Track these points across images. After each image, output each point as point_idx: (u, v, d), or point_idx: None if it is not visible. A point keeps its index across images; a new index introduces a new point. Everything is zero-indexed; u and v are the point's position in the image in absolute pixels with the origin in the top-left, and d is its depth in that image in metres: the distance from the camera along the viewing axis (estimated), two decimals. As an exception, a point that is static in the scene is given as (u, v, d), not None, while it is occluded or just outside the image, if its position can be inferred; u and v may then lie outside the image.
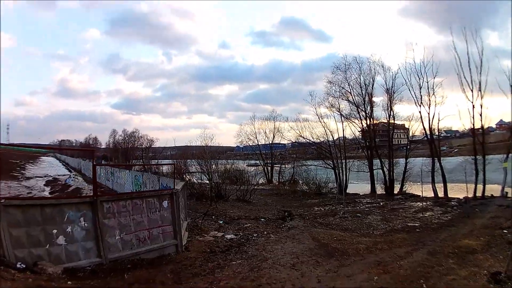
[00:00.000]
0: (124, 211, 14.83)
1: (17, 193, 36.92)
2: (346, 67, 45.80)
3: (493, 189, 34.18)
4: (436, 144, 38.83)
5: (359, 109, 45.51)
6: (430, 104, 38.00)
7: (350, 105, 46.25)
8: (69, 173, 69.70)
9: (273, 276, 13.34)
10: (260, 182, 54.85)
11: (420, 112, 38.97)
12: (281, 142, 68.32)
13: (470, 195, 31.37)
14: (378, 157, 43.29)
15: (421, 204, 31.07)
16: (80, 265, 12.98)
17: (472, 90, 34.64)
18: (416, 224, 24.05)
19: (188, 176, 38.11)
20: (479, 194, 33.22)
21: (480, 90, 34.37)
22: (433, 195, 36.00)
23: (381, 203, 33.54)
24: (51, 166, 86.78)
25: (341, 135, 48.41)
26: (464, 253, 16.03)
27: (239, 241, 19.11)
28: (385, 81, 42.97)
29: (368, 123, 45.28)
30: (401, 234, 21.28)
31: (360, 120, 45.86)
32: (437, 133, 39.87)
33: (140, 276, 12.66)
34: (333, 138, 48.20)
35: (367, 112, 45.08)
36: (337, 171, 45.17)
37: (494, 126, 54.95)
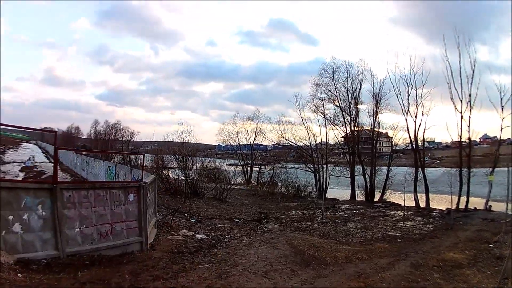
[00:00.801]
0: (85, 201, 13.12)
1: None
2: (334, 69, 44.77)
3: (476, 202, 33.31)
4: (420, 153, 37.89)
5: (344, 113, 44.38)
6: (417, 113, 36.82)
7: (336, 108, 45.45)
8: (47, 161, 67.36)
9: (242, 284, 11.97)
10: (238, 182, 53.37)
11: (406, 120, 37.80)
12: (262, 143, 66.93)
13: (453, 206, 30.15)
14: (361, 163, 42.07)
15: (402, 213, 29.88)
16: (36, 257, 11.48)
17: (461, 101, 33.60)
18: (397, 234, 22.79)
19: (166, 172, 36.43)
20: (462, 206, 32.14)
21: (469, 101, 33.34)
22: (414, 204, 34.82)
23: (361, 210, 32.23)
24: (30, 153, 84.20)
25: (323, 139, 47.41)
26: (450, 267, 14.99)
27: (209, 243, 17.73)
28: (372, 86, 41.82)
29: (353, 128, 44.08)
30: (381, 243, 20.14)
31: (344, 125, 44.76)
32: (422, 143, 38.58)
33: (95, 275, 11.09)
34: (315, 141, 46.88)
35: (352, 116, 43.85)
36: (317, 175, 43.74)
37: (478, 140, 54.47)
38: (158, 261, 13.50)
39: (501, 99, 31.78)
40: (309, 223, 25.75)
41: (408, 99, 37.51)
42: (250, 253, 16.20)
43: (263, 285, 12.12)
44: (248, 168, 61.47)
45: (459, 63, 34.05)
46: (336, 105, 44.69)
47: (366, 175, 40.65)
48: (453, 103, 34.02)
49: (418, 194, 36.10)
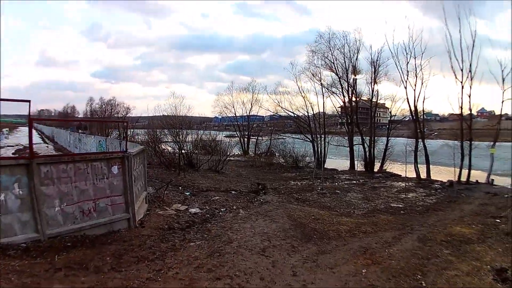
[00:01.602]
0: (65, 176, 11.83)
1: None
2: (330, 36, 42.52)
3: (478, 175, 32.28)
4: (420, 124, 36.36)
5: (341, 80, 42.27)
6: (416, 82, 35.12)
7: (333, 75, 43.49)
8: (42, 142, 66.11)
9: (237, 264, 10.97)
10: (236, 153, 52.21)
11: (405, 88, 36.03)
12: (259, 114, 65.22)
13: (455, 179, 29.00)
14: (360, 132, 40.53)
15: (403, 184, 28.72)
16: (15, 241, 10.52)
17: (462, 71, 31.90)
18: (400, 205, 21.75)
19: (160, 145, 35.02)
20: (463, 178, 30.92)
21: (470, 71, 31.65)
22: (415, 175, 33.60)
23: (361, 181, 31.00)
24: (26, 136, 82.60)
25: (321, 109, 45.54)
26: (459, 242, 14.09)
27: (203, 217, 16.77)
28: (370, 54, 39.96)
29: (350, 96, 42.52)
30: (385, 215, 19.08)
31: (342, 94, 43.04)
32: (421, 113, 37.01)
33: (74, 259, 10.11)
34: (312, 111, 45.32)
35: (350, 83, 42.25)
36: (315, 144, 42.38)
37: (475, 113, 53.26)
38: (145, 240, 12.61)
39: (502, 71, 30.40)
40: (308, 194, 24.57)
41: (407, 68, 35.83)
42: (247, 227, 15.21)
43: (260, 264, 11.13)
44: (245, 139, 59.87)
45: (459, 31, 32.26)
46: (333, 71, 42.79)
47: (365, 145, 39.34)
48: (454, 72, 32.34)
49: (418, 165, 34.89)
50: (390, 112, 43.48)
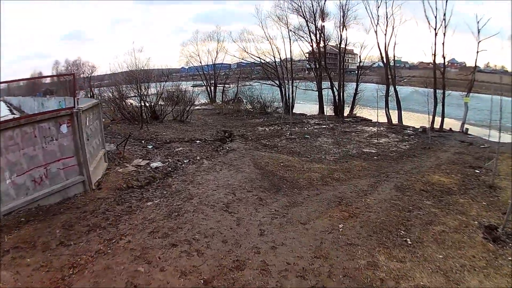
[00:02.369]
0: (12, 144, 9.85)
1: None
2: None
3: (451, 123, 31.38)
4: (391, 69, 34.79)
5: (309, 24, 39.73)
6: (387, 26, 33.31)
7: (300, 20, 40.76)
8: (9, 113, 62.40)
9: (196, 225, 9.52)
10: (203, 102, 50.19)
11: (376, 32, 34.11)
12: (226, 62, 62.19)
13: (427, 125, 27.76)
14: (328, 76, 38.65)
15: (374, 129, 27.32)
16: None
17: (436, 18, 30.05)
18: (373, 151, 20.49)
19: (130, 101, 32.54)
20: (436, 126, 29.74)
21: (444, 20, 29.80)
22: (386, 121, 32.49)
23: (331, 125, 29.39)
24: None
25: (288, 55, 43.34)
26: (440, 192, 13.07)
27: (165, 171, 15.12)
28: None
29: (318, 40, 39.82)
30: (358, 161, 17.77)
31: (309, 37, 40.37)
32: (393, 58, 35.32)
33: (23, 237, 8.49)
34: (279, 56, 43.10)
35: (317, 27, 39.56)
36: (283, 89, 40.47)
37: (446, 63, 52.36)
38: (100, 204, 10.95)
39: (478, 22, 28.65)
40: (277, 139, 23.05)
41: (377, 13, 34.04)
42: (210, 179, 13.73)
43: (223, 223, 9.67)
44: (212, 87, 57.32)
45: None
46: (300, 15, 39.94)
47: (334, 89, 37.47)
48: (427, 20, 30.61)
49: (389, 111, 33.69)
50: (360, 57, 41.65)
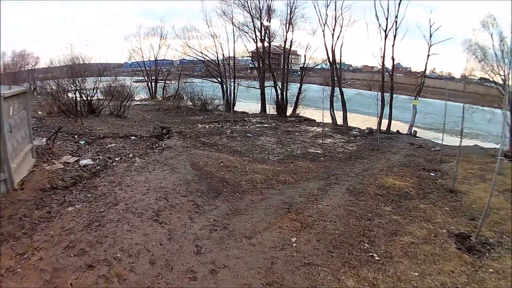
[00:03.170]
0: None
1: None
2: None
3: (398, 126, 30.77)
4: (337, 69, 33.36)
5: (254, 20, 37.46)
6: (335, 26, 31.78)
7: (245, 15, 38.84)
8: None
9: (119, 239, 7.75)
10: (143, 97, 47.92)
11: (323, 31, 32.42)
12: (168, 59, 59.73)
13: (374, 127, 27.13)
14: (272, 74, 37.11)
15: (318, 129, 26.17)
16: None
17: (387, 20, 29.06)
18: (319, 151, 19.06)
19: (70, 95, 29.61)
20: (383, 128, 28.84)
21: (396, 22, 28.90)
22: (331, 121, 31.12)
23: (273, 124, 27.59)
24: None
25: (231, 53, 41.26)
26: (397, 197, 11.91)
27: (93, 170, 12.97)
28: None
29: (263, 37, 37.84)
30: (304, 162, 16.24)
31: (254, 33, 38.20)
32: (340, 58, 34.01)
33: None
34: (222, 53, 41.14)
35: (263, 23, 37.59)
36: (224, 86, 38.56)
37: (390, 67, 52.80)
38: (19, 208, 9.13)
39: (430, 26, 28.24)
40: (217, 137, 21.05)
41: (326, 11, 32.41)
42: (140, 180, 11.74)
43: (151, 236, 7.86)
44: (153, 83, 54.78)
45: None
46: (246, 10, 37.73)
47: (278, 88, 35.87)
48: (377, 19, 29.59)
49: (334, 111, 32.22)
50: (305, 57, 40.39)
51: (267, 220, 9.01)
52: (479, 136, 30.71)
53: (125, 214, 8.86)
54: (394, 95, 30.26)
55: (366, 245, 8.02)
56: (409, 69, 44.20)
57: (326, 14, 32.19)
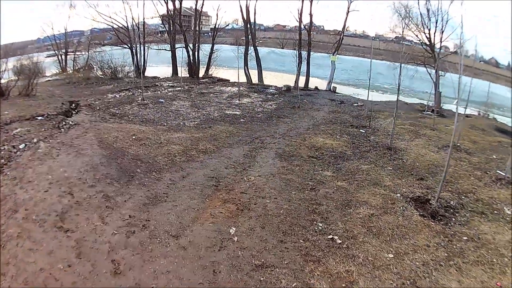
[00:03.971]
0: None
1: None
2: None
3: (316, 82, 29.51)
4: (252, 27, 31.78)
5: None
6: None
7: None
8: None
9: (21, 267, 5.62)
10: (54, 72, 43.70)
11: None
12: (78, 29, 55.53)
13: (291, 84, 25.82)
14: (183, 35, 34.28)
15: (234, 89, 24.44)
16: None
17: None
18: (237, 112, 17.34)
19: None
20: (301, 85, 27.29)
21: None
22: (246, 80, 29.30)
23: (186, 87, 25.24)
24: None
25: (141, 18, 38.38)
26: (333, 158, 10.91)
27: None
28: None
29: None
30: (222, 125, 14.48)
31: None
32: (253, 15, 32.28)
33: None
34: (132, 17, 38.24)
35: None
36: (133, 51, 35.62)
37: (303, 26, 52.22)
38: None
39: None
40: (127, 106, 18.37)
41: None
42: (43, 172, 9.47)
43: (57, 253, 5.94)
44: (63, 56, 50.19)
45: None
46: None
47: (189, 49, 33.40)
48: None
49: (249, 70, 30.53)
50: (217, 16, 38.11)
51: (194, 206, 7.17)
52: (401, 92, 29.62)
53: (25, 225, 6.88)
54: (304, 52, 28.78)
55: (320, 224, 6.62)
56: (322, 27, 43.41)
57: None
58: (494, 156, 12.00)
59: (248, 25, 31.00)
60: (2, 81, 24.17)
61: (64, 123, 15.12)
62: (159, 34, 44.68)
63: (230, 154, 10.66)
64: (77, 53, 46.36)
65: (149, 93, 21.90)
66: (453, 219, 7.31)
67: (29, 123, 15.18)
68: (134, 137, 11.82)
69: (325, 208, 7.17)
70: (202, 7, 35.58)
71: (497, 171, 10.44)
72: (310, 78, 28.59)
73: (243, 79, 28.47)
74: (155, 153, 10.43)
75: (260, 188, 8.06)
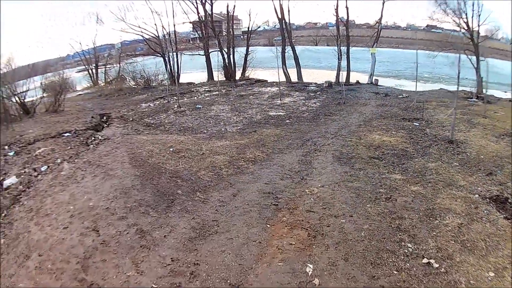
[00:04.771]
0: None
1: None
2: None
3: (356, 77, 28.25)
4: (288, 26, 29.94)
5: None
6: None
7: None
8: None
9: None
10: (85, 86, 43.62)
11: None
12: (108, 43, 55.61)
13: (332, 80, 24.64)
14: (217, 38, 32.60)
15: (273, 89, 23.29)
16: None
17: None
18: (281, 113, 16.00)
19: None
20: (342, 80, 25.46)
21: None
22: (285, 79, 28.01)
23: (223, 91, 23.87)
24: None
25: (172, 27, 37.45)
26: (396, 157, 9.67)
27: (16, 192, 9.26)
28: None
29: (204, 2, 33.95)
30: (268, 128, 13.15)
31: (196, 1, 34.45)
32: (288, 14, 31.23)
33: None
34: (162, 25, 37.20)
35: None
36: (166, 58, 34.79)
37: (333, 22, 50.59)
38: None
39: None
40: (163, 115, 17.17)
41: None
42: (63, 201, 8.10)
43: None
44: (93, 70, 49.96)
45: None
46: None
47: (224, 51, 32.26)
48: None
49: (287, 69, 29.27)
50: (250, 16, 36.70)
51: (254, 238, 5.82)
52: (441, 80, 28.49)
53: (39, 277, 5.69)
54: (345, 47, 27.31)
55: (410, 245, 5.43)
56: (353, 22, 42.26)
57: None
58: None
59: (284, 24, 29.59)
60: (29, 99, 23.67)
61: (93, 138, 14.10)
62: (191, 41, 44.03)
63: (283, 161, 9.48)
64: (108, 66, 46.19)
65: (185, 99, 20.85)
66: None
67: (54, 141, 14.12)
68: (171, 149, 10.62)
69: (409, 223, 5.95)
70: (233, 11, 34.40)
71: None
72: (353, 72, 27.20)
73: (282, 78, 27.38)
74: (197, 167, 9.16)
75: (328, 203, 6.82)
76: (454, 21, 21.97)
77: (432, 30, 27.86)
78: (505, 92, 20.73)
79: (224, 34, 34.18)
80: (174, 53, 32.61)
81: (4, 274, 5.86)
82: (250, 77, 30.99)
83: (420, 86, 22.71)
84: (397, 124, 12.85)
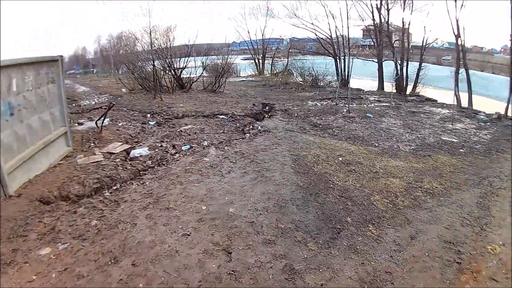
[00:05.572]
0: None
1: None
2: None
3: None
4: (464, 47, 26.53)
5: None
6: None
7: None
8: None
9: None
10: (250, 73, 44.33)
11: (448, 10, 25.02)
12: (275, 37, 55.69)
13: (502, 111, 20.62)
14: (392, 46, 30.77)
15: (443, 110, 20.56)
16: None
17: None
18: (454, 140, 13.79)
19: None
20: (510, 114, 21.13)
21: None
22: (455, 102, 24.95)
23: (393, 103, 21.66)
24: None
25: (345, 28, 36.11)
26: None
27: (141, 165, 8.51)
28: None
29: (380, 3, 30.58)
30: (443, 155, 11.16)
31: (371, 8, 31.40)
32: (463, 32, 27.16)
33: None
34: (336, 27, 35.64)
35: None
36: (337, 61, 33.37)
37: (498, 49, 43.98)
38: None
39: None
40: (331, 117, 15.83)
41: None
42: (195, 196, 6.77)
43: None
44: (260, 60, 50.26)
45: None
46: None
47: (397, 63, 29.68)
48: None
49: (459, 92, 26.09)
50: (424, 29, 33.49)
51: None
52: None
53: None
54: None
55: None
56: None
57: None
58: None
59: (459, 44, 26.10)
60: (186, 75, 24.60)
61: (251, 127, 12.92)
62: (360, 48, 42.13)
63: (461, 200, 7.53)
64: (275, 58, 46.19)
65: (354, 105, 19.53)
66: None
67: (205, 120, 13.47)
68: (340, 158, 9.23)
69: None
70: (409, 24, 31.47)
71: None
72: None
73: (450, 100, 24.55)
74: (369, 188, 7.64)
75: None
76: None
77: None
78: None
79: (393, 44, 31.75)
80: (348, 57, 31.16)
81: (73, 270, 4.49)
82: (420, 93, 28.36)
83: None
84: None
